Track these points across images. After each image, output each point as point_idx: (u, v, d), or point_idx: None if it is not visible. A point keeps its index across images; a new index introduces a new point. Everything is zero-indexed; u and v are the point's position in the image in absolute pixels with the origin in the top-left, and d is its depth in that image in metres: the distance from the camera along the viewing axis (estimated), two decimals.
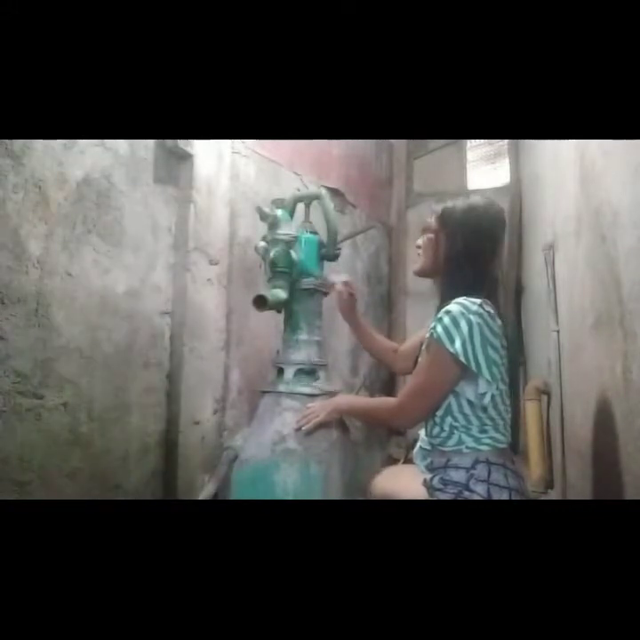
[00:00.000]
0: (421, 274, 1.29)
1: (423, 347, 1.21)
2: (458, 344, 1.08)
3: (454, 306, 1.11)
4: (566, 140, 1.81)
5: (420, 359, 1.22)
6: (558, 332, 2.01)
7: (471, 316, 1.09)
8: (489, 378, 1.11)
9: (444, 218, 1.22)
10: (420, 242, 1.29)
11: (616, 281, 1.26)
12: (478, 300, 1.11)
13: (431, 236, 1.24)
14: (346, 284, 1.54)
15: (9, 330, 1.17)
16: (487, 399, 1.13)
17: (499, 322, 1.14)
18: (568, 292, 1.87)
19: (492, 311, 1.13)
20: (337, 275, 1.58)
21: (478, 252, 1.18)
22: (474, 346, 1.09)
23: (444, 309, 1.13)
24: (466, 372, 1.11)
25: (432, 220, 1.25)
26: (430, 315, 1.26)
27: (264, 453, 1.38)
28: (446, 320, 1.10)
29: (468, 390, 1.13)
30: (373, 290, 3.17)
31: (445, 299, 1.17)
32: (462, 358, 1.09)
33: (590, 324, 1.52)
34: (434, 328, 1.13)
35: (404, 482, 1.30)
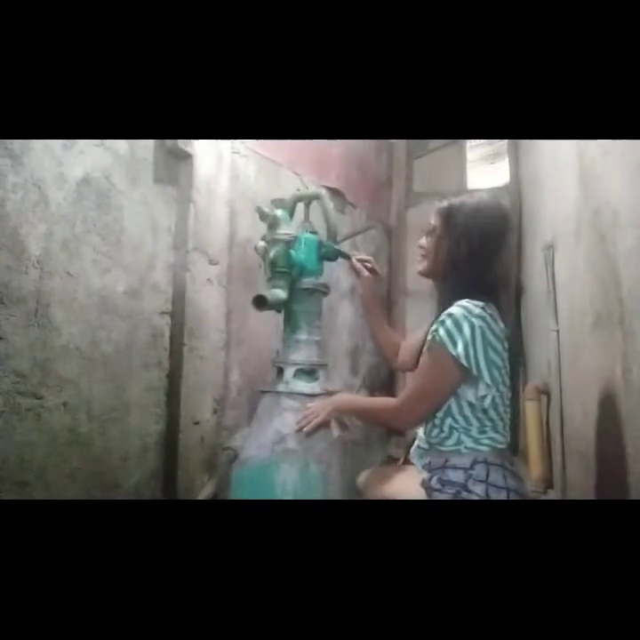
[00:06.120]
0: (426, 275, 1.28)
1: (425, 348, 1.21)
2: (460, 347, 1.08)
3: (456, 308, 1.11)
4: (566, 140, 1.81)
5: (421, 360, 1.21)
6: (558, 331, 2.01)
7: (473, 319, 1.09)
8: (489, 381, 1.11)
9: (450, 218, 1.20)
10: (423, 242, 1.28)
11: (616, 281, 1.26)
12: (481, 303, 1.11)
13: (437, 236, 1.23)
14: (362, 260, 1.51)
15: (9, 330, 1.17)
16: (488, 401, 1.12)
17: (501, 325, 1.14)
18: (568, 292, 1.87)
19: (494, 314, 1.13)
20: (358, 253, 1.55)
21: (483, 255, 1.17)
22: (476, 349, 1.09)
23: (446, 312, 1.12)
24: (467, 375, 1.11)
25: (435, 220, 1.24)
26: (430, 315, 1.25)
27: (264, 453, 1.38)
28: (449, 323, 1.10)
29: (468, 392, 1.13)
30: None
31: (447, 301, 1.16)
32: (464, 361, 1.08)
33: (590, 324, 1.52)
34: (436, 330, 1.13)
35: (399, 483, 1.30)
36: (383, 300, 3.28)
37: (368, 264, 1.51)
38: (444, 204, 1.23)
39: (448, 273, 1.21)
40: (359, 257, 1.53)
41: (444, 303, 1.17)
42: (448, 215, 1.21)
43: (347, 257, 1.55)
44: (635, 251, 1.13)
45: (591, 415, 1.49)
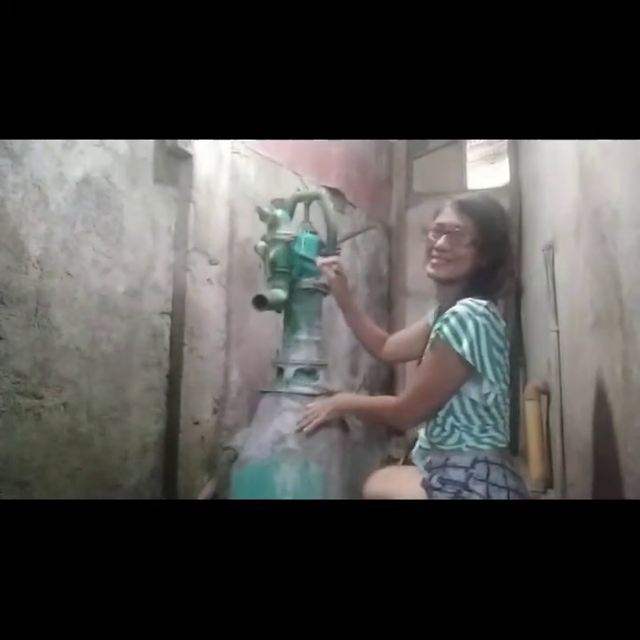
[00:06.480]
0: (447, 279, 1.21)
1: (427, 347, 1.21)
2: (465, 345, 1.08)
3: (460, 307, 1.11)
4: (566, 140, 1.81)
5: (424, 359, 1.21)
6: (558, 332, 2.01)
7: (478, 317, 1.10)
8: (493, 379, 1.11)
9: (483, 221, 1.17)
10: (445, 245, 1.18)
11: (616, 281, 1.26)
12: (484, 302, 1.12)
13: (471, 240, 1.17)
14: (326, 264, 1.48)
15: (9, 330, 1.17)
16: (490, 399, 1.13)
17: (503, 323, 1.14)
18: (568, 292, 1.87)
19: (496, 312, 1.13)
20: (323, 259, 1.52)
21: (504, 259, 1.20)
22: (480, 347, 1.09)
23: (450, 310, 1.12)
24: (471, 373, 1.11)
25: (464, 221, 1.18)
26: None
27: (264, 453, 1.38)
28: (453, 321, 1.10)
29: (471, 390, 1.13)
30: (373, 290, 3.17)
31: (455, 301, 1.15)
32: (469, 359, 1.09)
33: (590, 324, 1.52)
34: (440, 329, 1.13)
35: (399, 482, 1.30)
36: (367, 298, 3.28)
37: (334, 266, 1.48)
38: (472, 204, 1.20)
39: (471, 276, 1.19)
40: (324, 261, 1.49)
41: (452, 303, 1.16)
42: (479, 218, 1.18)
43: (311, 262, 1.52)
44: (635, 251, 1.13)
45: (591, 415, 1.49)
